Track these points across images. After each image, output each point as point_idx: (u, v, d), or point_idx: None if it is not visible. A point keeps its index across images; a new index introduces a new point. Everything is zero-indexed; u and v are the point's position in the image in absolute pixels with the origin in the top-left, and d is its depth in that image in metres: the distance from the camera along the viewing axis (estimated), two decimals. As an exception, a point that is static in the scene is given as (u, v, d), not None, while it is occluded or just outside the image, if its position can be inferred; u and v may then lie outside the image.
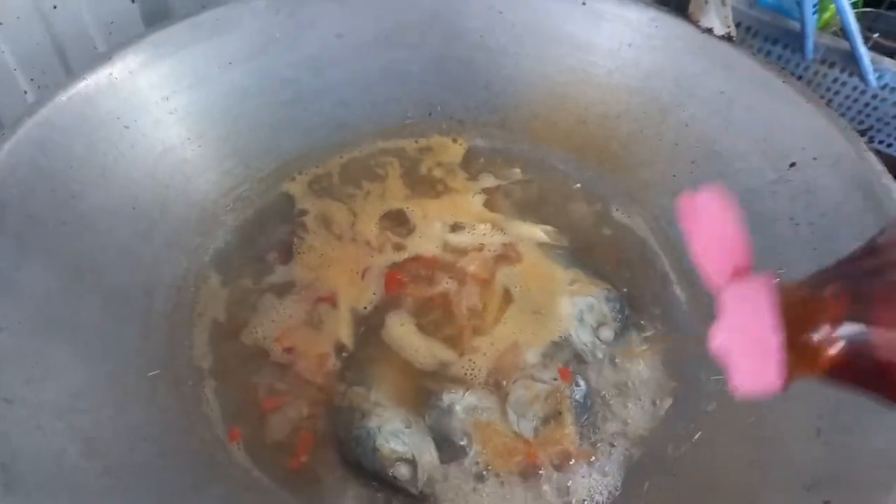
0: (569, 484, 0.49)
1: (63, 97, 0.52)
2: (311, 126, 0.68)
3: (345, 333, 0.56)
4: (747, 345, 0.24)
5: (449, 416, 0.51)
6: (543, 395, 0.52)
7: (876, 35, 0.71)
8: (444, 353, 0.55)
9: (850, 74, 0.66)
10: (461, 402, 0.51)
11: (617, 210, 0.66)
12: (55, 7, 0.63)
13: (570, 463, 0.50)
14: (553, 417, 0.51)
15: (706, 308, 0.57)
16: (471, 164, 0.70)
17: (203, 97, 0.62)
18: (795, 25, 0.66)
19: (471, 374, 0.54)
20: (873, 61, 0.63)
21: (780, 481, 0.44)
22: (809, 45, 0.65)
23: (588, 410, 0.52)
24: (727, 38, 0.62)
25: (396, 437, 0.49)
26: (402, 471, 0.47)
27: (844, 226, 0.51)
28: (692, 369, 0.54)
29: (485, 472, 0.49)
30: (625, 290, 0.59)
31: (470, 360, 0.55)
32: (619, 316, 0.56)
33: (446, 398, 0.52)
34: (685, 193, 0.28)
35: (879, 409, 0.24)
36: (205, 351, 0.55)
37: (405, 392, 0.53)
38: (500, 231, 0.64)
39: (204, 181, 0.62)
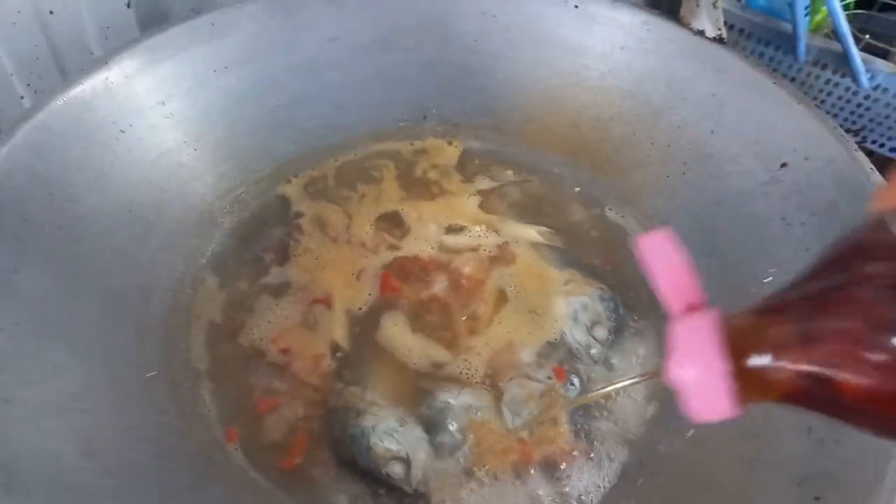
0: (562, 482, 0.49)
1: (59, 102, 0.53)
2: (307, 129, 0.68)
3: (340, 334, 0.56)
4: (697, 376, 0.25)
5: (443, 415, 0.51)
6: (538, 394, 0.52)
7: (867, 36, 0.71)
8: (438, 353, 0.55)
9: (843, 76, 0.66)
10: (456, 401, 0.52)
11: (610, 211, 0.67)
12: (52, 12, 0.63)
13: (564, 461, 0.50)
14: (547, 416, 0.52)
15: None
16: (466, 167, 0.71)
17: (199, 101, 0.62)
18: (787, 27, 0.66)
19: (466, 374, 0.54)
20: (865, 62, 0.64)
21: (772, 478, 0.45)
22: (801, 46, 0.66)
23: (582, 409, 0.52)
24: (718, 40, 0.63)
25: (390, 435, 0.49)
26: (396, 469, 0.48)
27: (836, 225, 0.52)
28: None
29: (479, 471, 0.49)
30: (619, 289, 0.60)
31: (465, 359, 0.55)
32: (614, 315, 0.57)
33: (441, 397, 0.52)
34: (640, 236, 0.29)
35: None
36: (202, 352, 0.55)
37: (400, 391, 0.53)
38: (494, 232, 0.64)
39: (200, 184, 0.62)
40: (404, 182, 0.69)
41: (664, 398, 0.53)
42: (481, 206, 0.67)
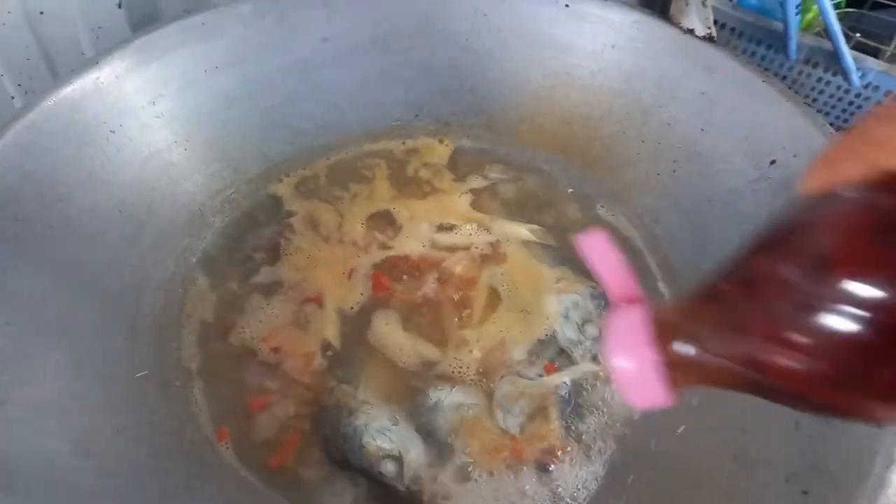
0: (554, 478, 0.49)
1: (50, 102, 0.53)
2: (298, 128, 0.68)
3: (331, 333, 0.56)
4: (629, 366, 0.26)
5: (435, 413, 0.51)
6: (529, 392, 0.52)
7: (858, 35, 0.71)
8: (430, 352, 0.55)
9: (834, 74, 0.67)
10: (448, 399, 0.52)
11: (602, 208, 0.67)
12: (42, 13, 0.63)
13: (556, 458, 0.50)
14: (538, 413, 0.52)
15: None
16: (457, 166, 0.71)
17: (189, 101, 0.62)
18: (779, 26, 0.67)
19: (457, 372, 0.54)
20: (856, 61, 0.64)
21: (761, 473, 0.45)
22: (793, 45, 0.66)
23: (573, 406, 0.52)
24: (708, 39, 0.63)
25: (383, 434, 0.49)
26: (389, 467, 0.48)
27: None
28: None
29: (471, 468, 0.49)
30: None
31: (456, 358, 0.55)
32: (604, 313, 0.57)
33: (433, 395, 0.52)
34: (577, 235, 0.30)
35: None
36: (193, 352, 0.55)
37: (392, 390, 0.53)
38: (486, 231, 0.64)
39: (191, 184, 0.62)
40: (396, 181, 0.69)
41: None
42: (473, 205, 0.67)
